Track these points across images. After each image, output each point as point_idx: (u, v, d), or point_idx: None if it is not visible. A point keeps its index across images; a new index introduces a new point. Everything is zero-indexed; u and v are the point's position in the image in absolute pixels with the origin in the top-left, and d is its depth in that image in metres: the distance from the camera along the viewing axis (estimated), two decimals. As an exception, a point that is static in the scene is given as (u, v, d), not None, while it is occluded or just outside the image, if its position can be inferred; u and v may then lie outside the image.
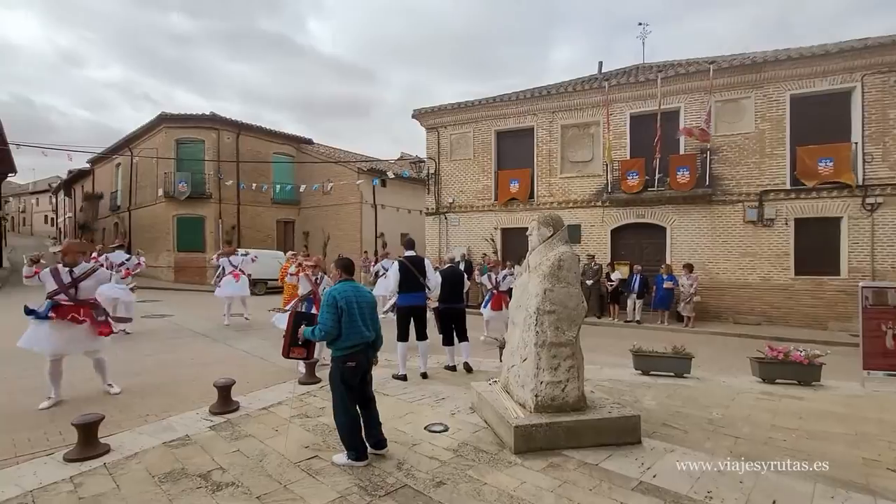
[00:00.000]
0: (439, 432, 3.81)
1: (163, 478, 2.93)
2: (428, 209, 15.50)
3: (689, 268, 10.64)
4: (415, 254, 5.54)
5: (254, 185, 17.88)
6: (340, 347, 3.14)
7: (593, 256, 12.01)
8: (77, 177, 28.68)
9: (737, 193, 11.29)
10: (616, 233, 12.77)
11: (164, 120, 18.51)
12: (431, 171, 15.27)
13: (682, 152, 11.81)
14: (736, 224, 11.31)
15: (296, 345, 3.37)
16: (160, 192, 18.47)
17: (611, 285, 11.54)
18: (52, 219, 42.02)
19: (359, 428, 3.15)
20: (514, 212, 13.96)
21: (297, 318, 3.44)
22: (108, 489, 2.78)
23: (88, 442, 3.23)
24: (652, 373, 5.95)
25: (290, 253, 8.56)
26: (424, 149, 15.56)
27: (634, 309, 11.28)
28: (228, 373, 4.79)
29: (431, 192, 15.35)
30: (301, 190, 18.11)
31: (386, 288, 9.10)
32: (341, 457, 3.15)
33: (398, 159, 25.53)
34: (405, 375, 5.35)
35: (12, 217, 51.81)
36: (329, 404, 3.32)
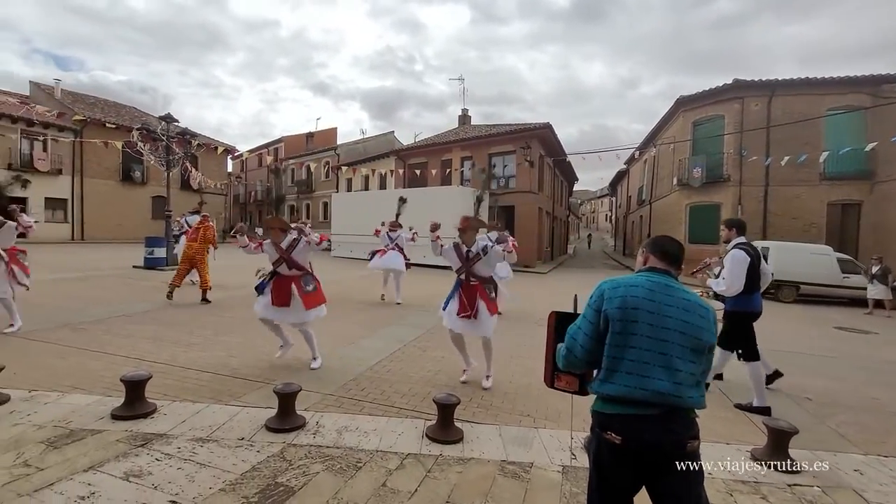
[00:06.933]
0: None
1: (451, 513, 2.28)
2: None
3: None
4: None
5: (786, 158, 14.16)
6: (601, 395, 1.62)
7: None
8: (618, 178, 34.62)
9: None
10: None
11: (680, 105, 18.33)
12: None
13: None
14: None
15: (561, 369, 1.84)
16: (674, 181, 18.53)
17: None
18: (608, 216, 53.39)
19: None
20: None
21: (561, 321, 1.86)
22: (405, 489, 2.45)
23: (445, 425, 3.12)
24: None
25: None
26: None
27: None
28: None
29: None
30: (867, 150, 12.48)
31: (393, 262, 8.75)
32: None
33: None
34: (769, 408, 3.91)
35: (585, 217, 71.01)
36: None
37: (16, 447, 2.73)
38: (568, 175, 31.59)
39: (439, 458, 2.85)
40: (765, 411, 3.89)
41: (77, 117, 20.08)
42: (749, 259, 3.98)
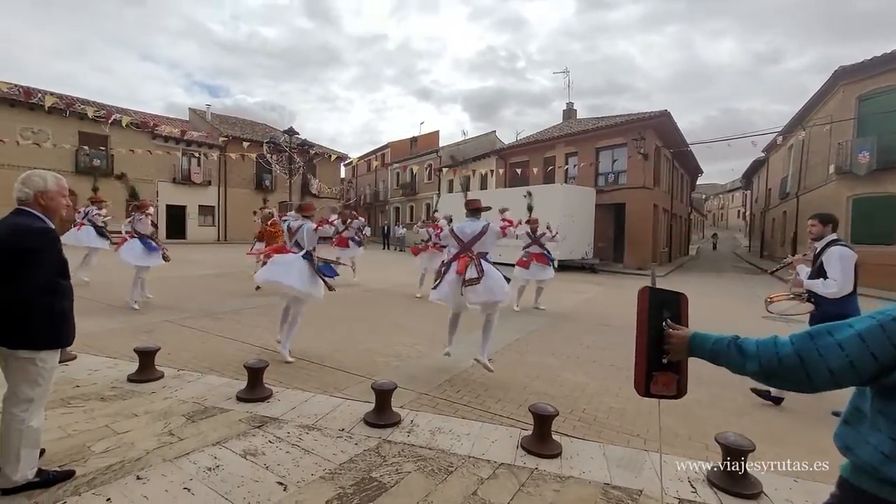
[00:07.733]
0: None
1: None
2: None
3: None
4: None
5: None
6: (883, 476, 1.01)
7: None
8: (754, 168, 30.34)
9: None
10: None
11: (839, 77, 15.39)
12: None
13: None
14: None
15: (660, 366, 1.47)
16: (831, 168, 15.63)
17: None
18: (741, 212, 47.26)
19: None
20: None
21: (656, 299, 1.49)
22: (496, 501, 2.36)
23: (542, 437, 2.97)
24: None
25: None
26: None
27: None
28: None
29: None
30: None
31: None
32: None
33: None
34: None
35: (711, 213, 63.52)
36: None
37: (164, 417, 3.21)
38: (690, 167, 28.59)
39: (534, 472, 2.71)
40: None
41: (221, 136, 23.53)
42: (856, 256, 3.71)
